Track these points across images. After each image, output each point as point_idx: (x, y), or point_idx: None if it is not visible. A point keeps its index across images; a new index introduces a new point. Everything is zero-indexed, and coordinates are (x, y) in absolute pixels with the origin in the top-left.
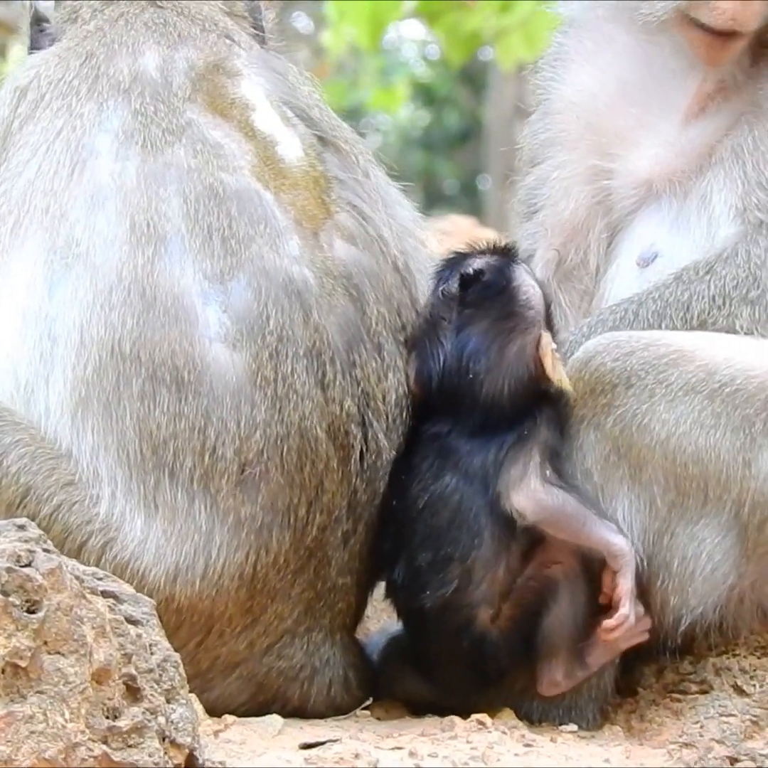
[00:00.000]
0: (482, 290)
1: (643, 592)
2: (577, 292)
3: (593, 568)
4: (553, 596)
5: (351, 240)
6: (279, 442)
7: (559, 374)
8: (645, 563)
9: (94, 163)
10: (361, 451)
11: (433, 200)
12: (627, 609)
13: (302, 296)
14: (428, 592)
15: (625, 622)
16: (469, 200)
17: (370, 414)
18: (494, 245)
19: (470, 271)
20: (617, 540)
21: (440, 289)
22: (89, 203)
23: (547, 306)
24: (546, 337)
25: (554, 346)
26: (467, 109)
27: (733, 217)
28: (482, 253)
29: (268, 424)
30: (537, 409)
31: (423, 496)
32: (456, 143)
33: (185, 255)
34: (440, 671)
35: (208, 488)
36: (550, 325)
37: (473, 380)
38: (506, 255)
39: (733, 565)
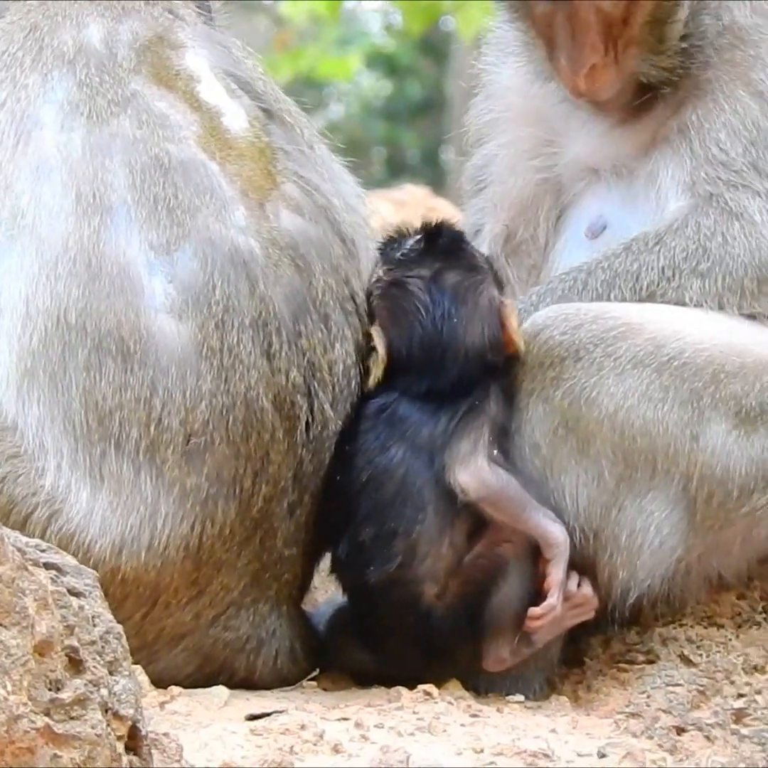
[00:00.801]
0: (446, 245)
1: (591, 565)
2: (526, 266)
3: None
4: (503, 575)
5: (297, 210)
6: (224, 412)
7: (520, 337)
8: (593, 537)
9: (39, 134)
10: (307, 422)
11: (395, 170)
12: (554, 599)
13: (248, 266)
14: (372, 568)
15: (550, 612)
16: (431, 170)
17: (315, 384)
18: (439, 220)
19: (432, 227)
20: (553, 528)
21: (399, 254)
22: (34, 174)
23: (497, 272)
24: (511, 302)
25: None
26: (429, 79)
27: (681, 191)
28: (430, 225)
29: (213, 394)
30: (489, 381)
31: (367, 470)
32: (418, 113)
33: (131, 225)
34: (386, 646)
35: (153, 459)
36: (502, 291)
37: (456, 326)
38: (451, 225)
39: (682, 538)
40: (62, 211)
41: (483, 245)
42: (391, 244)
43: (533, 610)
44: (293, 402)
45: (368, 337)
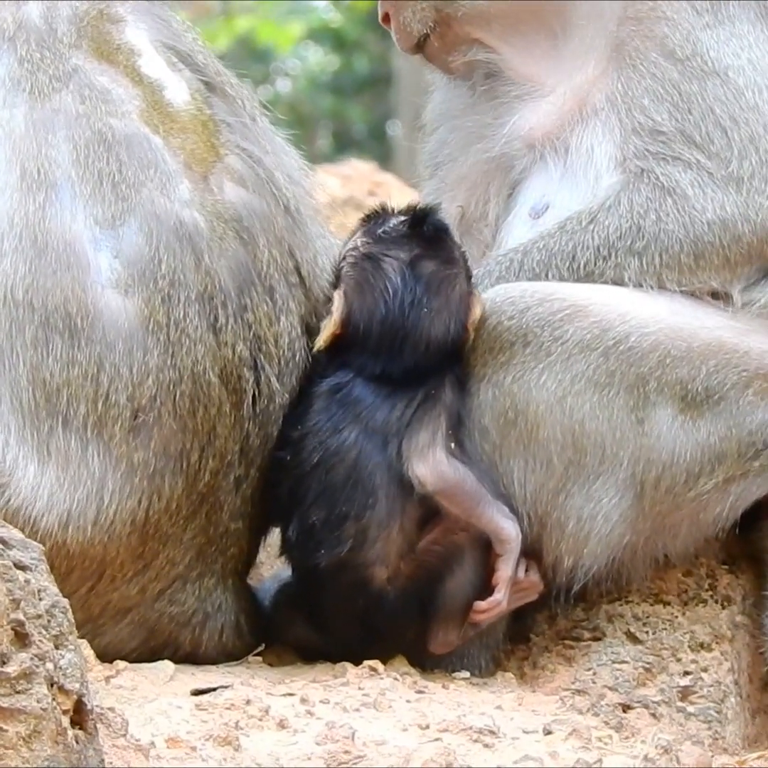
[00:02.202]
0: (430, 233)
1: (537, 550)
2: (478, 244)
3: None
4: (457, 562)
5: (241, 182)
6: (171, 387)
7: (473, 330)
8: (539, 523)
9: None
10: (254, 396)
11: (342, 145)
12: (501, 595)
13: (193, 240)
14: (322, 551)
15: (496, 607)
16: (378, 145)
17: (262, 358)
18: (425, 206)
19: (419, 212)
20: (506, 525)
21: (382, 229)
22: None
23: (469, 266)
24: (478, 294)
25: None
26: (377, 54)
27: (613, 167)
28: (416, 209)
29: (160, 369)
30: (444, 369)
31: (319, 451)
32: (365, 88)
33: (76, 201)
34: (332, 625)
35: (101, 435)
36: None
37: (424, 317)
38: (436, 214)
39: (630, 524)
40: (7, 187)
41: None
42: (374, 218)
43: (479, 604)
44: (239, 376)
45: (329, 300)
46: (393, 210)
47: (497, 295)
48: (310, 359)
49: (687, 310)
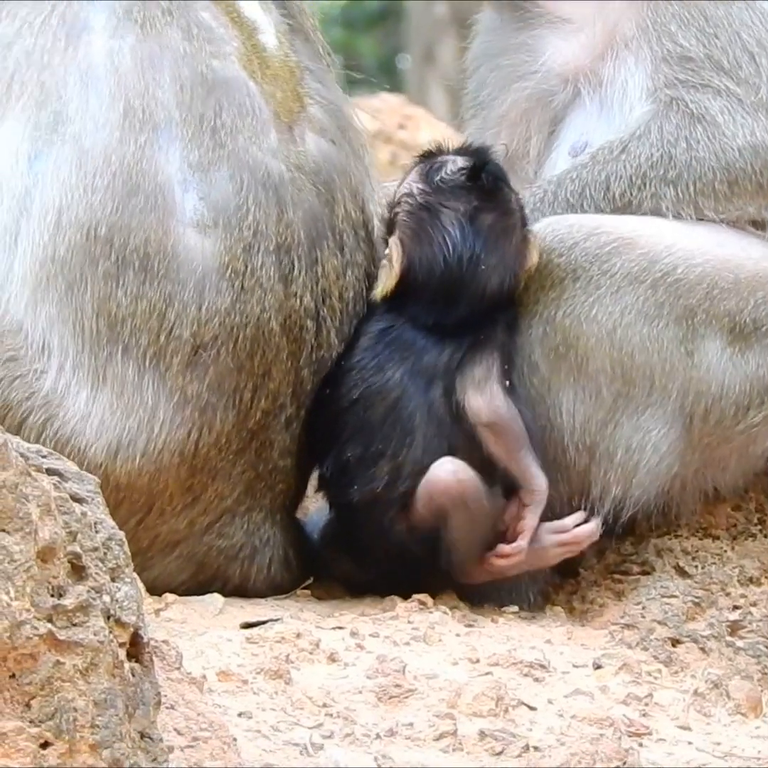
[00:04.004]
0: (493, 182)
1: (585, 481)
2: (521, 182)
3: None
4: (449, 518)
5: (322, 134)
6: (235, 330)
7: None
8: (587, 453)
9: (89, 38)
10: (312, 345)
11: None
12: (524, 542)
13: (278, 192)
14: (356, 487)
15: (518, 554)
16: (388, 79)
17: (325, 310)
18: (475, 146)
19: (475, 163)
20: (539, 476)
21: (439, 177)
22: (82, 82)
23: (524, 209)
24: (534, 236)
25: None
26: None
27: (645, 97)
28: (464, 150)
29: (228, 312)
30: (498, 315)
31: (360, 387)
32: (375, 21)
33: (174, 143)
34: (371, 561)
35: (158, 366)
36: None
37: (483, 272)
38: (489, 154)
39: (678, 455)
40: (108, 124)
41: None
42: (430, 160)
43: (502, 548)
44: (302, 326)
45: (366, 232)
46: (448, 150)
47: (545, 233)
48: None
49: (732, 241)
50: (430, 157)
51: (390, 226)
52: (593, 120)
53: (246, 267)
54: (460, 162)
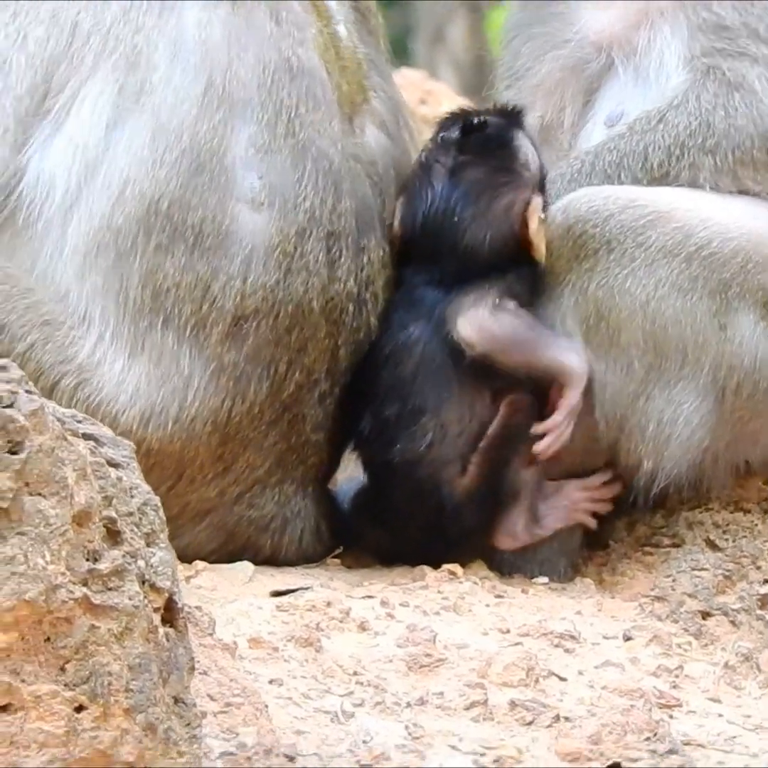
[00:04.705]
0: (483, 140)
1: (615, 454)
2: (557, 152)
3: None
4: (520, 443)
5: (382, 127)
6: (276, 305)
7: (540, 241)
8: (619, 426)
9: (183, 5)
10: (351, 327)
11: None
12: (561, 417)
13: (336, 181)
14: (399, 446)
15: (555, 429)
16: (398, 59)
17: (367, 295)
18: (503, 106)
19: (475, 120)
20: (569, 358)
21: (441, 135)
22: (171, 50)
23: (543, 174)
24: (537, 200)
25: (542, 214)
26: None
27: (681, 66)
28: (489, 111)
29: (272, 290)
30: (510, 267)
31: (389, 345)
32: (386, 2)
33: (248, 125)
34: (401, 526)
35: (198, 335)
36: (542, 192)
37: (457, 225)
38: (512, 116)
39: (710, 429)
40: (188, 98)
41: None
42: (447, 121)
43: (536, 427)
44: (342, 309)
45: None
46: (467, 113)
47: (581, 203)
48: None
49: (766, 213)
50: (447, 120)
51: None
52: (629, 89)
53: (295, 250)
54: (476, 117)
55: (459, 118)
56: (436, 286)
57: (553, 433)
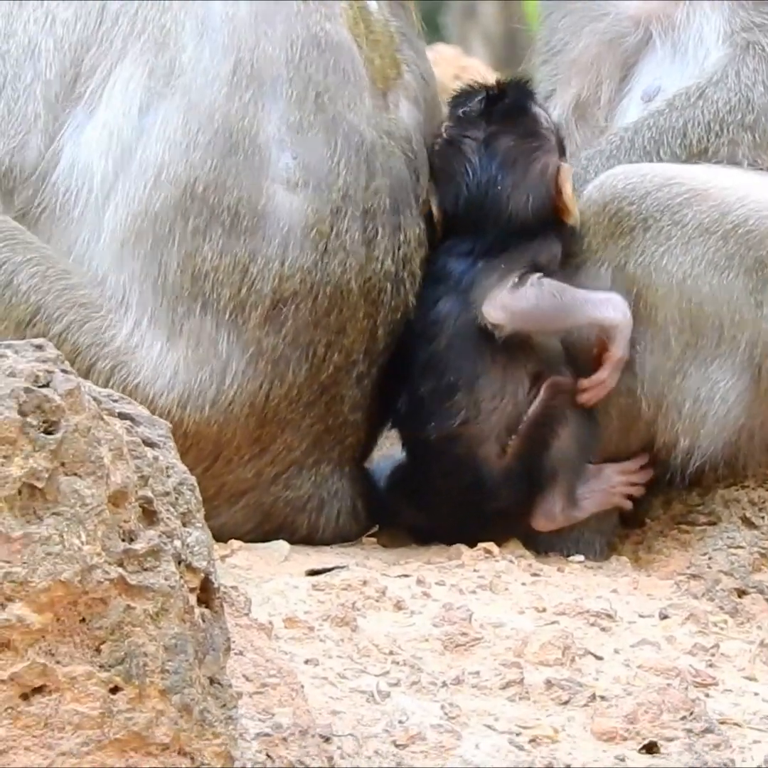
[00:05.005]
0: (506, 110)
1: (652, 432)
2: (592, 128)
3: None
4: (560, 428)
5: (415, 102)
6: (315, 287)
7: (574, 203)
8: (655, 404)
9: None
10: (390, 306)
11: None
12: (606, 373)
13: (369, 158)
14: (434, 423)
15: (599, 385)
16: (430, 34)
17: (405, 274)
18: (511, 79)
19: (495, 90)
20: (607, 313)
21: (461, 110)
22: (198, 30)
23: (561, 138)
24: (567, 165)
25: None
26: None
27: (721, 41)
28: (500, 84)
29: (310, 271)
30: (538, 236)
31: (422, 322)
32: None
33: (278, 102)
34: (438, 505)
35: (236, 319)
36: (564, 157)
37: (500, 193)
38: (521, 86)
39: (746, 407)
40: (217, 78)
41: (554, 110)
42: (459, 98)
43: (582, 382)
44: (381, 289)
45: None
46: (478, 88)
47: (617, 180)
48: None
49: None
50: (460, 96)
51: (430, 172)
52: (666, 64)
53: (332, 229)
54: (483, 93)
55: (471, 93)
56: (464, 258)
57: (597, 388)
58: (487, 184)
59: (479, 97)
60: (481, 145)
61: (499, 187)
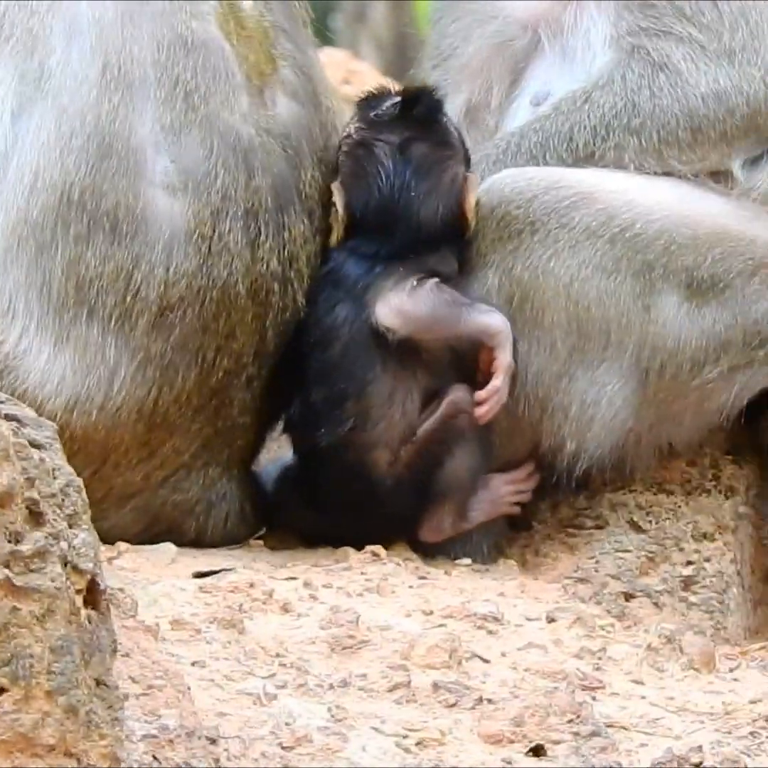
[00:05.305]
0: (422, 115)
1: (538, 435)
2: (483, 132)
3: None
4: (457, 446)
5: (294, 96)
6: (202, 292)
7: (473, 215)
8: (541, 407)
9: None
10: (278, 307)
11: None
12: (500, 381)
13: (247, 157)
14: (323, 430)
15: (495, 394)
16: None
17: (292, 274)
18: (421, 87)
19: (408, 97)
20: (491, 319)
21: (373, 113)
22: (66, 33)
23: (466, 149)
24: (473, 176)
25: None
26: None
27: (607, 45)
28: (409, 91)
29: (194, 275)
30: (440, 244)
31: (316, 329)
32: None
33: (148, 104)
34: (330, 509)
35: (123, 326)
36: (469, 167)
37: (413, 199)
38: (432, 95)
39: (634, 410)
40: (86, 82)
41: None
42: (368, 101)
43: (479, 394)
44: (268, 290)
45: (330, 193)
46: (388, 92)
47: (504, 184)
48: None
49: (692, 196)
50: (369, 99)
51: (334, 172)
52: (555, 69)
53: (214, 231)
54: (396, 98)
55: (381, 97)
56: (365, 261)
57: (494, 397)
58: (401, 189)
59: (392, 102)
60: (396, 150)
61: (412, 193)
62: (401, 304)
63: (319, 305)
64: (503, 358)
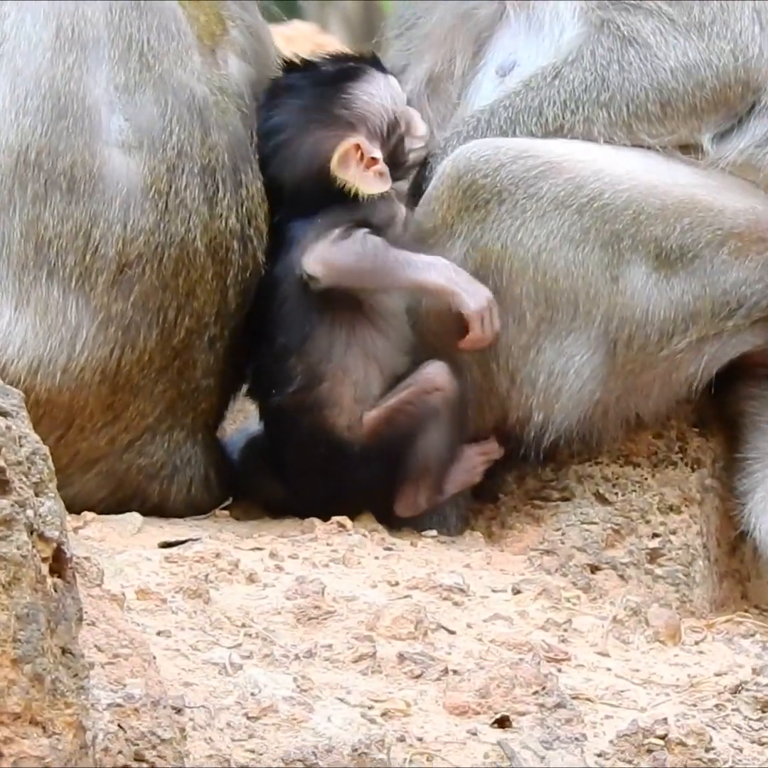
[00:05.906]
0: (300, 77)
1: (506, 406)
2: (444, 103)
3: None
4: (432, 422)
5: (244, 57)
6: (160, 249)
7: (355, 180)
8: (509, 378)
9: None
10: (238, 266)
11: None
12: (478, 331)
13: (203, 114)
14: (274, 390)
15: (479, 341)
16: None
17: (251, 231)
18: (363, 53)
19: (301, 60)
20: (429, 276)
21: (276, 81)
22: None
23: (388, 122)
24: (347, 144)
25: (374, 154)
26: None
27: (576, 19)
28: (347, 57)
29: (152, 232)
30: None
31: (263, 283)
32: None
33: (102, 64)
34: (296, 477)
35: (83, 286)
36: (383, 140)
37: (281, 162)
38: (369, 62)
39: (601, 381)
40: (40, 44)
41: (406, 85)
42: (288, 69)
43: (461, 344)
44: (227, 247)
45: None
46: (314, 58)
47: (470, 153)
48: None
49: (661, 167)
50: (291, 67)
51: None
52: (521, 38)
53: (170, 187)
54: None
55: (302, 63)
56: (303, 216)
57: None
58: (270, 154)
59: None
60: (263, 108)
61: (276, 156)
62: (324, 253)
63: (270, 265)
64: (466, 306)
